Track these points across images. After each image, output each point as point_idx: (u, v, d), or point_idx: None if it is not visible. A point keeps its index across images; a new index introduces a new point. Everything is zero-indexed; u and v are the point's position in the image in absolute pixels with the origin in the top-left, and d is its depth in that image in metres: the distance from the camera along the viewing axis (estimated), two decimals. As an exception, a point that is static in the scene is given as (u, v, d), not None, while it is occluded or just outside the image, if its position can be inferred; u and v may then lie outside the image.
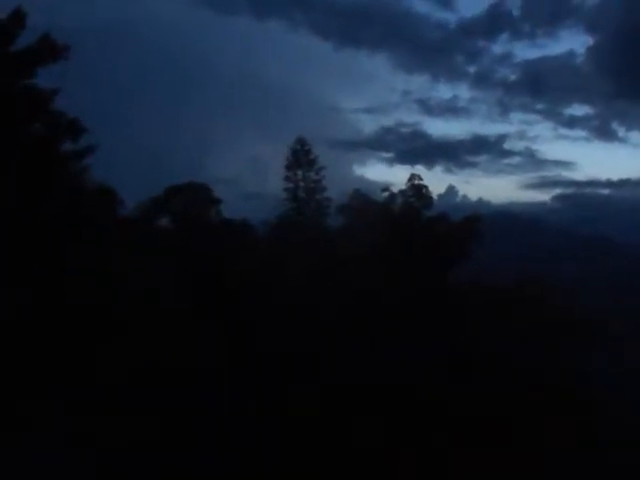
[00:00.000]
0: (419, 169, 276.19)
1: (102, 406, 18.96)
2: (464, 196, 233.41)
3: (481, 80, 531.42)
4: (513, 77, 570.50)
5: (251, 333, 27.48)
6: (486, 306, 34.56)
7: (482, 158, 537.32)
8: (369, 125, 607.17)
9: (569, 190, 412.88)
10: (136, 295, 26.11)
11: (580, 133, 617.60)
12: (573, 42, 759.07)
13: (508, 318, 33.99)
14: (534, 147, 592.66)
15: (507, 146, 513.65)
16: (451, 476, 24.30)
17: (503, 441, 26.15)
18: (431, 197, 43.33)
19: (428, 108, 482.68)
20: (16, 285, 19.99)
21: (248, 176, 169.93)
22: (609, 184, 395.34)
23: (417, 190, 42.96)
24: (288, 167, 47.42)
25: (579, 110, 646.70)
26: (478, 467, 24.49)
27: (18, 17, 22.34)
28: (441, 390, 27.65)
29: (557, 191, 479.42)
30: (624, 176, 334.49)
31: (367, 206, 42.42)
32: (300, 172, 47.23)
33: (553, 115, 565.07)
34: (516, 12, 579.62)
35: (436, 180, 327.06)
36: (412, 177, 43.35)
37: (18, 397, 17.21)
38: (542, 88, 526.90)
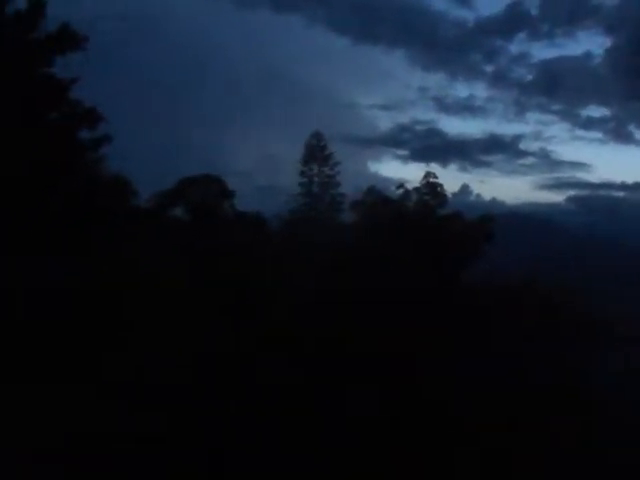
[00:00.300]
0: (434, 167, 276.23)
1: (110, 399, 19.00)
2: (478, 195, 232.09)
3: (498, 79, 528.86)
4: (530, 77, 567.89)
5: (262, 325, 27.46)
6: (496, 305, 34.49)
7: (497, 158, 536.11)
8: (385, 122, 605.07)
9: (584, 192, 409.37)
10: (147, 286, 26.16)
11: (596, 135, 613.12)
12: (591, 43, 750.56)
13: (517, 317, 33.92)
14: (549, 148, 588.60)
15: (522, 146, 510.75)
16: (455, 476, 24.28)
17: (507, 439, 26.13)
18: (445, 195, 43.42)
19: (444, 106, 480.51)
20: (30, 272, 20.07)
21: (262, 169, 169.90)
22: (624, 187, 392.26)
23: (432, 188, 42.94)
24: (303, 162, 47.52)
25: (596, 112, 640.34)
26: (480, 464, 24.52)
27: (38, 6, 22.44)
28: (447, 387, 27.65)
29: (571, 193, 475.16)
30: (639, 179, 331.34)
31: (381, 203, 42.34)
32: (315, 167, 47.40)
33: (569, 116, 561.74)
34: (534, 12, 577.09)
35: (450, 178, 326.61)
36: (427, 175, 43.43)
37: (25, 390, 17.27)
38: (559, 89, 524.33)
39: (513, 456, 25.47)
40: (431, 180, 43.13)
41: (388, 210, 41.55)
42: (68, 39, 21.24)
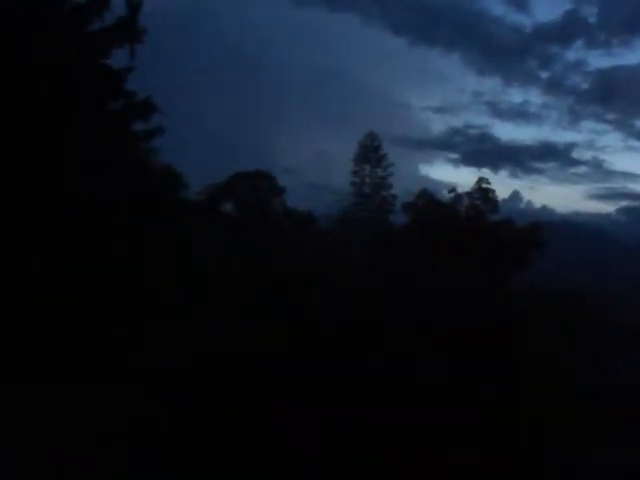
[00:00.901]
0: (485, 172, 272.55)
1: (151, 390, 19.05)
2: (528, 202, 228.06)
3: (553, 86, 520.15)
4: (585, 85, 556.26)
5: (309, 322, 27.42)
6: (539, 311, 34.45)
7: (549, 165, 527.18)
8: (437, 124, 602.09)
9: (635, 203, 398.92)
10: (195, 279, 26.30)
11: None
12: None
13: (559, 325, 33.99)
14: (602, 157, 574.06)
15: (575, 155, 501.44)
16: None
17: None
18: (497, 201, 43.02)
19: (498, 111, 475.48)
20: (81, 263, 20.22)
21: (313, 168, 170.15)
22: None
23: (484, 193, 42.57)
24: (356, 161, 47.34)
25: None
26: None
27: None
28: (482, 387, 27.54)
29: (623, 203, 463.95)
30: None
31: (433, 206, 42.10)
32: (367, 167, 47.15)
33: (624, 126, 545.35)
34: (592, 20, 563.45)
35: (501, 184, 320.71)
36: (480, 180, 43.05)
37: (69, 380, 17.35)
38: (614, 98, 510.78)
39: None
40: (483, 185, 42.78)
41: (440, 213, 41.33)
42: (126, 32, 21.35)
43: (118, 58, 21.91)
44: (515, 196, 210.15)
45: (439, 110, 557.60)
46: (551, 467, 26.18)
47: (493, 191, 42.80)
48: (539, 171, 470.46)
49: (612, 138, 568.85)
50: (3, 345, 16.40)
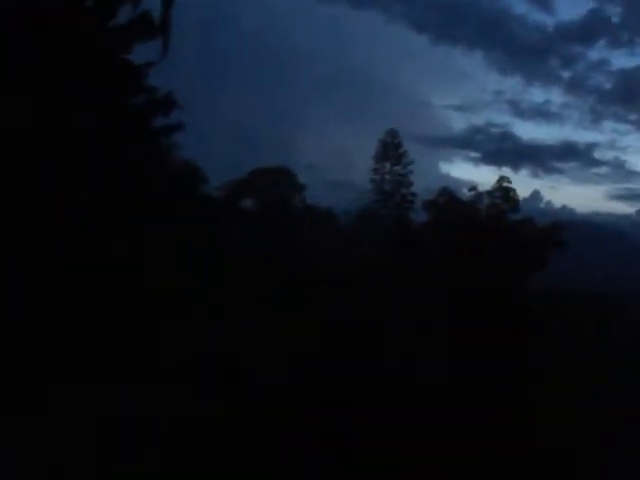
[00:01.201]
0: (505, 171, 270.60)
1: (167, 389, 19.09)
2: (548, 202, 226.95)
3: (575, 86, 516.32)
4: (608, 85, 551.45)
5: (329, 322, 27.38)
6: (557, 311, 34.71)
7: (570, 165, 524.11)
8: (458, 123, 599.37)
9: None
10: (212, 276, 26.33)
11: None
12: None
13: (575, 326, 34.56)
14: (624, 158, 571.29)
15: (596, 155, 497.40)
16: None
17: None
18: (518, 200, 42.94)
19: (519, 110, 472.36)
20: (96, 257, 20.25)
21: (334, 164, 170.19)
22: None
23: (505, 192, 42.46)
24: (376, 159, 47.20)
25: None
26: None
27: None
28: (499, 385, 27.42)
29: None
30: None
31: (453, 204, 42.02)
32: (388, 165, 46.95)
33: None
34: (615, 19, 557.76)
35: (521, 183, 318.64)
36: (501, 179, 42.99)
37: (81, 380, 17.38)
38: (636, 98, 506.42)
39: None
40: (504, 184, 42.68)
41: (461, 211, 41.29)
42: (148, 27, 21.34)
43: (142, 54, 21.88)
44: (535, 196, 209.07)
45: (460, 108, 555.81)
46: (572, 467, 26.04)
47: (514, 190, 42.84)
48: (560, 171, 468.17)
49: (634, 138, 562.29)
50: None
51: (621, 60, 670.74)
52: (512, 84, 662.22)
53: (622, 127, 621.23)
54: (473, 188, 42.95)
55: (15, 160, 17.82)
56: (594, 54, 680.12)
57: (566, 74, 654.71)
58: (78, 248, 18.94)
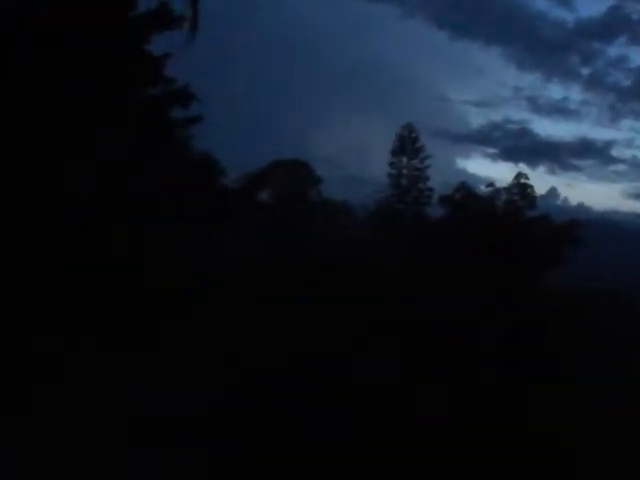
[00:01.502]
0: (522, 168, 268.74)
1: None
2: (565, 199, 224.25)
3: (594, 83, 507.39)
4: (627, 82, 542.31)
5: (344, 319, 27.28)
6: (568, 310, 34.38)
7: (587, 162, 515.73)
8: (476, 118, 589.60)
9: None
10: (224, 271, 26.29)
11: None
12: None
13: (588, 325, 33.90)
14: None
15: (614, 152, 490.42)
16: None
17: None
18: (535, 197, 42.90)
19: (537, 107, 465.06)
20: (109, 250, 20.23)
21: (351, 158, 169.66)
22: None
23: (522, 189, 42.32)
24: (393, 153, 47.07)
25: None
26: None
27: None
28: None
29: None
30: None
31: (471, 199, 41.89)
32: (405, 159, 46.82)
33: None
34: (635, 16, 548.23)
35: (538, 180, 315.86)
36: (518, 175, 42.89)
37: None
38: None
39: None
40: (522, 181, 42.52)
41: (478, 207, 41.16)
42: (166, 17, 21.33)
43: (162, 45, 21.85)
44: (552, 193, 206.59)
45: (478, 104, 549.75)
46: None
47: (531, 187, 42.80)
48: (577, 168, 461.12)
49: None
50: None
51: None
52: (531, 80, 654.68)
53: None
54: (490, 184, 42.91)
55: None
56: (613, 51, 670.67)
57: (585, 71, 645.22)
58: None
